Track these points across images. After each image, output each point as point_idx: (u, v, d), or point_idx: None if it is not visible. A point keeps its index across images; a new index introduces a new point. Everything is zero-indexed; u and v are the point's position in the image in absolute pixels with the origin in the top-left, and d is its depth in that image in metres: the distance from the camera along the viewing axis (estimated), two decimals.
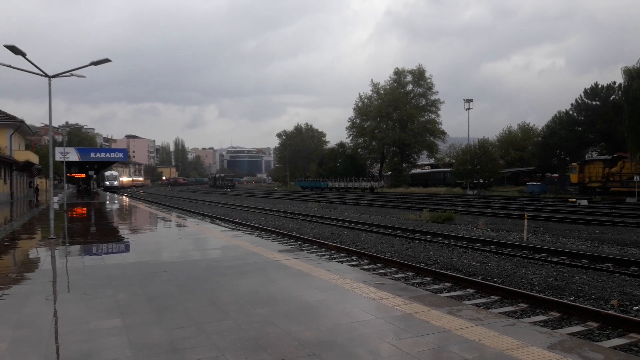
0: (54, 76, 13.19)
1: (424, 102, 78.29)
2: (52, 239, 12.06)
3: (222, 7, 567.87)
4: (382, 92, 79.35)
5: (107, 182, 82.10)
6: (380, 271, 10.23)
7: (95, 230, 15.45)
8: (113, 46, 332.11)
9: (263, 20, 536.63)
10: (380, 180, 72.17)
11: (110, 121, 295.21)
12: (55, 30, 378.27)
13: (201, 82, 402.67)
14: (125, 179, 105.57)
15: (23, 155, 40.40)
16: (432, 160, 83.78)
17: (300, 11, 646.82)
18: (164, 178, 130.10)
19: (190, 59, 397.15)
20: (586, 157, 49.11)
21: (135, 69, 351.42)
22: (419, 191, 60.36)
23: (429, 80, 77.03)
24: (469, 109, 62.67)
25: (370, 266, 10.86)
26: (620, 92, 43.32)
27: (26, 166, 41.28)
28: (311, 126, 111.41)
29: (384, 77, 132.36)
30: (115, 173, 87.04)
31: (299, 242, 14.89)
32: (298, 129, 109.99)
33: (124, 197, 48.92)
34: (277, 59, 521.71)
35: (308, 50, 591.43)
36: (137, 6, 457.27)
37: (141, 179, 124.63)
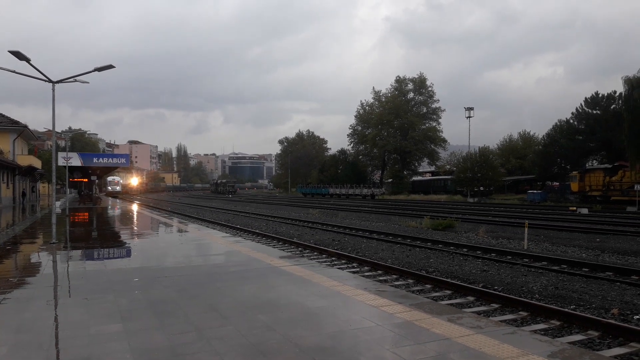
0: (57, 82, 13.23)
1: (425, 110, 78.61)
2: (53, 243, 12.07)
3: (229, 15, 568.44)
4: (383, 99, 79.69)
5: (110, 187, 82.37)
6: (380, 278, 10.23)
7: (96, 235, 15.47)
8: (119, 52, 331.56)
9: (270, 29, 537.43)
10: (381, 187, 72.20)
11: (115, 126, 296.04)
12: (60, 36, 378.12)
13: (205, 88, 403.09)
14: (128, 183, 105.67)
15: (26, 160, 40.55)
16: (433, 168, 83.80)
17: (307, 19, 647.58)
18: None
19: (195, 65, 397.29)
20: (587, 165, 49.11)
21: (140, 75, 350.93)
22: (420, 198, 60.30)
23: (430, 88, 77.53)
24: (469, 117, 62.75)
25: (371, 273, 10.86)
26: (620, 101, 43.38)
27: (29, 171, 41.38)
28: (313, 133, 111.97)
29: (386, 84, 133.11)
30: (117, 178, 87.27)
31: (299, 249, 14.88)
32: (300, 135, 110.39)
33: (126, 202, 48.95)
34: (282, 66, 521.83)
35: (313, 58, 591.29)
36: (142, 13, 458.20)
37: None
